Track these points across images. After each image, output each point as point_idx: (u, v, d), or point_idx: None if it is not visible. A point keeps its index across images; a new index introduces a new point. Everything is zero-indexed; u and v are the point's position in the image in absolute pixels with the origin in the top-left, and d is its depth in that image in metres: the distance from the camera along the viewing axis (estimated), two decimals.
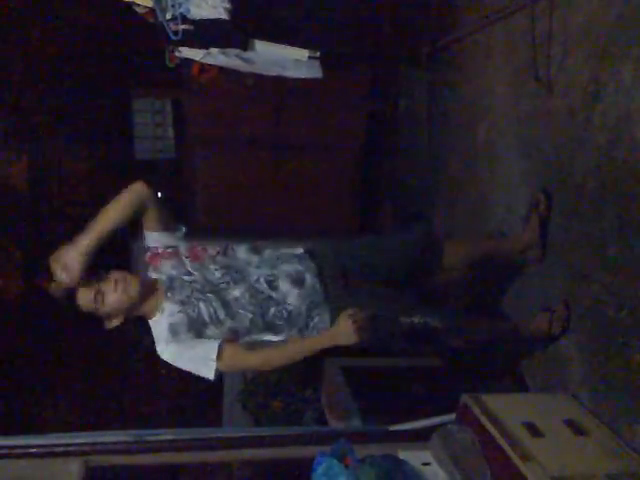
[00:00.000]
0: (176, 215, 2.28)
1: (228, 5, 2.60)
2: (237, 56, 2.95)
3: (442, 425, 2.14)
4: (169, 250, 2.16)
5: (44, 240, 4.67)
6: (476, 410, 2.07)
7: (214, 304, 2.05)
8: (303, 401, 3.62)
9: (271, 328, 2.10)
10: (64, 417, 4.48)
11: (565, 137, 2.39)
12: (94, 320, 2.05)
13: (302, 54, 2.92)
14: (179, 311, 2.04)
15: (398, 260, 2.31)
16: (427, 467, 2.01)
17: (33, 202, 4.91)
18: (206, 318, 2.04)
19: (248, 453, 2.21)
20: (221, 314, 2.05)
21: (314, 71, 2.95)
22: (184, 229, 2.25)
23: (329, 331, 2.04)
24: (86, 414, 4.41)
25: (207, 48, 2.89)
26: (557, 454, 1.85)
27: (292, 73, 2.95)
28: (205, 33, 2.73)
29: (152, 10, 2.53)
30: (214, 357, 2.01)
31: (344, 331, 1.94)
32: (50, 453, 2.13)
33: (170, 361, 2.06)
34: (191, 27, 2.64)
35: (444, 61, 3.77)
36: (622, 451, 1.90)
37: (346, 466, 1.81)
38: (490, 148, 3.08)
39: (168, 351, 2.04)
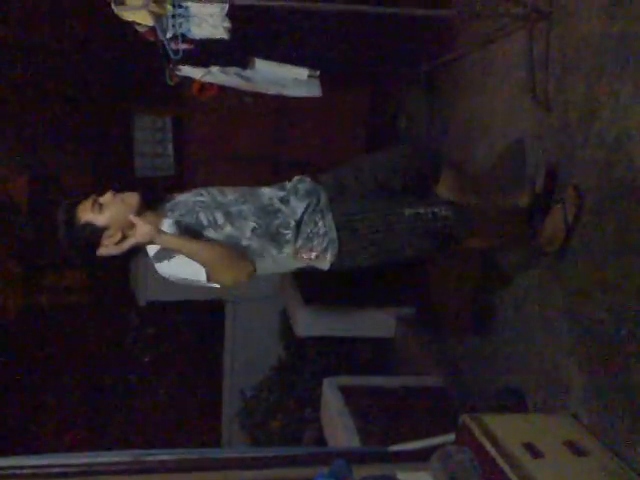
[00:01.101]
0: None
1: (228, 25, 2.61)
2: (237, 74, 2.96)
3: (441, 446, 2.13)
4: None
5: (44, 257, 4.67)
6: (476, 430, 2.06)
7: (214, 213, 2.07)
8: (302, 420, 3.60)
9: (275, 239, 2.07)
10: (62, 437, 4.45)
11: (563, 155, 2.39)
12: (92, 246, 1.98)
13: (302, 73, 2.93)
14: (177, 222, 2.04)
15: (393, 166, 2.22)
16: None
17: (33, 218, 4.92)
18: (204, 222, 2.05)
19: (247, 474, 2.20)
20: (220, 219, 2.06)
21: (313, 90, 2.96)
22: None
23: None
24: (84, 433, 4.38)
25: (207, 67, 2.91)
26: (557, 475, 1.84)
27: (291, 92, 2.96)
28: (205, 52, 2.75)
29: (153, 29, 2.54)
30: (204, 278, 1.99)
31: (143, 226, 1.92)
32: (47, 474, 2.12)
33: (168, 274, 2.03)
34: (192, 46, 2.67)
35: (443, 80, 3.79)
36: (622, 472, 1.89)
37: None
38: (488, 165, 3.09)
39: (169, 265, 2.01)
